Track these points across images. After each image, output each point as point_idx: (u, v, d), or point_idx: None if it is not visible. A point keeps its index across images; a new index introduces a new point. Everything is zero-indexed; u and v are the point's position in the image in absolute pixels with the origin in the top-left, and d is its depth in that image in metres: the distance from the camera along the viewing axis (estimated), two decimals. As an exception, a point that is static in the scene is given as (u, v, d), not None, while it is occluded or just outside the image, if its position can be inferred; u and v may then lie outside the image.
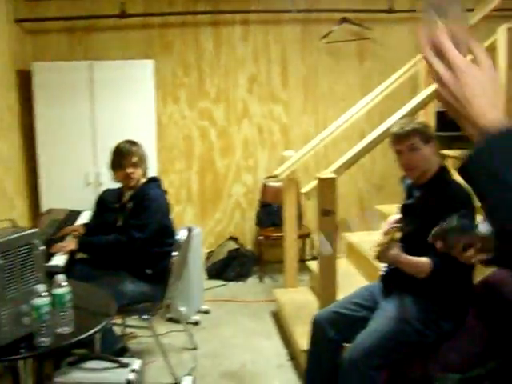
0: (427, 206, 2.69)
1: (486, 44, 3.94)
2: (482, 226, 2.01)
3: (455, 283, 2.65)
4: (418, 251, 2.59)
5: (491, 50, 3.81)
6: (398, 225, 2.73)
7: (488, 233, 1.94)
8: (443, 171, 2.78)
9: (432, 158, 2.76)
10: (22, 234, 2.29)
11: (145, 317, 3.63)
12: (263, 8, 5.87)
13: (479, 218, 2.44)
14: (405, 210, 2.94)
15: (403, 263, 2.65)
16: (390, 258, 2.68)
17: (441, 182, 2.74)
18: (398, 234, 2.68)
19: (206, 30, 5.89)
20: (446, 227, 2.10)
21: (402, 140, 2.75)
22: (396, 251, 2.65)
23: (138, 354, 3.87)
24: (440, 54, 0.90)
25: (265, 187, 6.00)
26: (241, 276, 5.79)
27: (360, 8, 5.96)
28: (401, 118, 3.49)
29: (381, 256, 2.71)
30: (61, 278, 2.37)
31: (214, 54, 5.93)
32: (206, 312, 4.86)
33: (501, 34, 3.64)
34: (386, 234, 2.70)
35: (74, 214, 4.36)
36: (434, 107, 4.97)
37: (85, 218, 4.28)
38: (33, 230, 2.35)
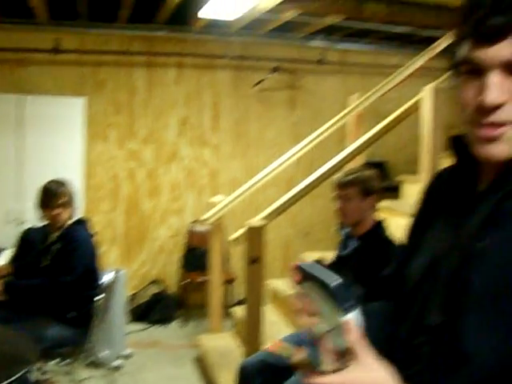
0: (360, 260, 2.74)
1: (411, 102, 4.10)
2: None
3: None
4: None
5: (415, 108, 3.98)
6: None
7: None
8: (378, 226, 2.84)
9: (368, 212, 2.81)
10: None
11: (65, 362, 3.51)
12: (198, 52, 5.94)
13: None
14: (340, 261, 2.98)
15: None
16: None
17: (375, 237, 2.79)
18: None
19: (139, 71, 5.88)
20: None
21: (341, 188, 2.81)
22: None
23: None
24: None
25: (191, 231, 5.97)
26: (164, 320, 5.69)
27: (292, 58, 6.13)
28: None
29: None
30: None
31: (146, 95, 5.92)
32: (129, 356, 4.74)
33: (425, 94, 3.80)
34: None
35: (-8, 253, 4.20)
36: (362, 159, 5.11)
37: (5, 257, 4.13)
38: None
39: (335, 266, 2.95)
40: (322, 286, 0.91)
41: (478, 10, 0.89)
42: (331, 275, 0.92)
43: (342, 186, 2.81)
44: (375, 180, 2.85)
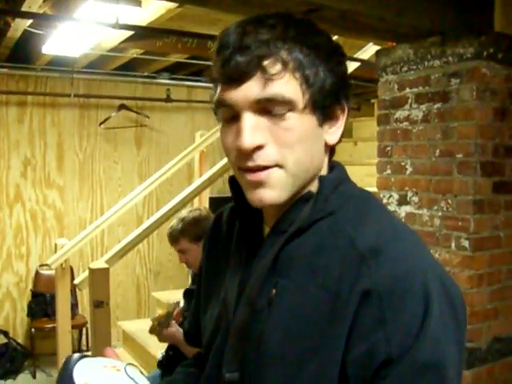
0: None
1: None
2: None
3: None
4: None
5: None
6: (176, 301, 2.75)
7: None
8: None
9: None
10: None
11: None
12: (41, 90, 5.75)
13: None
14: (189, 294, 2.96)
15: (182, 345, 2.59)
16: (169, 335, 2.64)
17: None
18: (176, 309, 2.69)
19: (-23, 110, 5.58)
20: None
21: (173, 243, 2.79)
22: (175, 328, 2.63)
23: None
24: None
25: (38, 276, 5.69)
26: (11, 373, 5.34)
27: (138, 96, 6.12)
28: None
29: (159, 334, 2.67)
30: None
31: (-15, 136, 5.62)
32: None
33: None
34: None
35: None
36: (207, 193, 5.17)
37: None
38: None
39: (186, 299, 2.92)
40: None
41: (223, 50, 0.86)
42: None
43: (174, 241, 2.78)
44: (199, 222, 2.77)
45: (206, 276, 1.13)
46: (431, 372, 0.80)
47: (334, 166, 0.98)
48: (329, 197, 0.92)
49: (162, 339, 2.72)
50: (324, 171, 0.96)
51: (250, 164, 0.87)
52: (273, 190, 0.88)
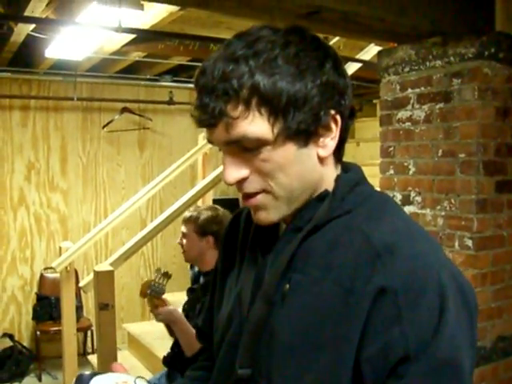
0: (205, 296, 2.75)
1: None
2: None
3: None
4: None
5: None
6: (164, 271, 2.76)
7: None
8: None
9: (209, 250, 2.81)
10: None
11: None
12: (44, 94, 5.77)
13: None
14: (191, 291, 2.98)
15: (178, 324, 2.60)
16: (166, 313, 2.64)
17: None
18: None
19: (-19, 114, 5.60)
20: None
21: (182, 223, 2.84)
22: (173, 308, 2.63)
23: None
24: None
25: (42, 279, 5.71)
26: (16, 376, 5.35)
27: (141, 98, 6.13)
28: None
29: (155, 312, 2.65)
30: None
31: (-11, 140, 5.64)
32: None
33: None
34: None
35: None
36: (211, 196, 5.18)
37: None
38: None
39: (190, 299, 2.93)
40: None
41: (197, 93, 0.89)
42: None
43: (182, 222, 2.84)
44: (212, 222, 2.80)
45: (221, 274, 1.15)
46: (449, 368, 0.81)
47: (350, 167, 1.00)
48: (346, 196, 0.94)
49: (158, 318, 2.70)
50: (331, 177, 0.97)
51: (241, 192, 0.93)
52: (267, 212, 0.94)
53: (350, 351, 0.83)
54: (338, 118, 0.92)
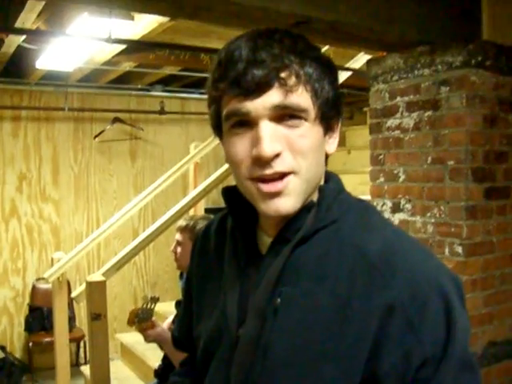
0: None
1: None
2: None
3: None
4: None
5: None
6: (155, 296, 2.75)
7: None
8: None
9: None
10: None
11: None
12: (35, 105, 5.77)
13: None
14: (179, 305, 2.98)
15: (167, 344, 2.57)
16: (155, 336, 2.64)
17: None
18: (167, 321, 2.69)
19: (-30, 125, 5.59)
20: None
21: (177, 231, 2.85)
22: (160, 328, 2.63)
23: None
24: None
25: (35, 290, 5.69)
26: (9, 387, 5.34)
27: (132, 108, 6.15)
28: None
29: (140, 330, 2.65)
30: None
31: (-20, 151, 5.63)
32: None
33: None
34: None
35: None
36: (203, 204, 5.18)
37: None
38: None
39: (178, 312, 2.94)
40: None
41: (235, 64, 0.87)
42: None
43: (178, 230, 2.86)
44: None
45: (196, 286, 1.14)
46: (466, 360, 0.86)
47: (329, 175, 1.01)
48: (330, 206, 0.95)
49: (148, 340, 2.70)
50: (322, 181, 0.99)
51: (268, 172, 0.89)
52: (289, 199, 0.90)
53: (356, 368, 0.84)
54: (340, 120, 0.99)
